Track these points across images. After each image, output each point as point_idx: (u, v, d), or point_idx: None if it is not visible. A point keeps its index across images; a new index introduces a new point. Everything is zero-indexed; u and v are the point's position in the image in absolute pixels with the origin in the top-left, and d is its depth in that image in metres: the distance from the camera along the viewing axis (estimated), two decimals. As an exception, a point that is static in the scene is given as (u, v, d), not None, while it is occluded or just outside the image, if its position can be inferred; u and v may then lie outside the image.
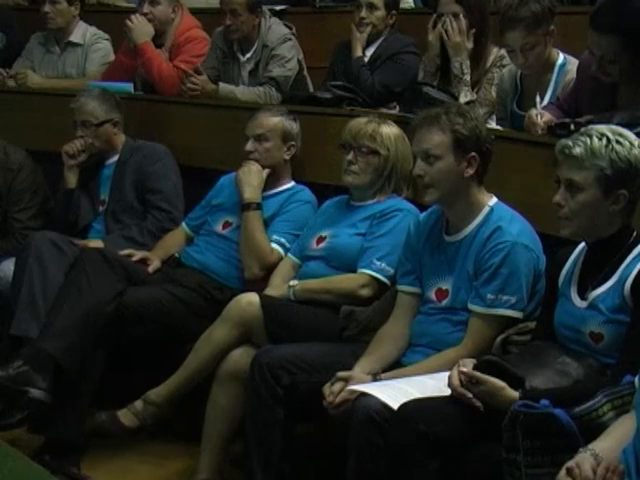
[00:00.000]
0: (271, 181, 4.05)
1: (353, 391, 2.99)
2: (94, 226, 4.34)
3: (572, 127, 3.25)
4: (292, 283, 3.67)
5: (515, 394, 2.62)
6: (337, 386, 3.10)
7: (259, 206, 3.94)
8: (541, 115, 3.62)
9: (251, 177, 3.99)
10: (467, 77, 4.33)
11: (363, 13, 4.87)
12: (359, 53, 4.87)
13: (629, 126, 2.91)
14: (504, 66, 4.33)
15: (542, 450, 2.42)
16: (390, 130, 3.72)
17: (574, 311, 2.79)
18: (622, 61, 3.39)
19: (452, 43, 4.34)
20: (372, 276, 3.55)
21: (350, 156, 3.69)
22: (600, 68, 3.44)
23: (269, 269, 3.87)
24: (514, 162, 3.57)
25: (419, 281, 3.29)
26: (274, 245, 3.90)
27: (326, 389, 3.11)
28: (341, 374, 3.12)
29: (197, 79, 4.77)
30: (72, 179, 4.36)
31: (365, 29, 4.88)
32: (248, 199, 3.94)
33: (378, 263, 3.55)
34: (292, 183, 4.09)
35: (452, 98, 4.10)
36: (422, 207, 3.44)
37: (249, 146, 4.05)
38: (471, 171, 3.16)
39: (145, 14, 5.04)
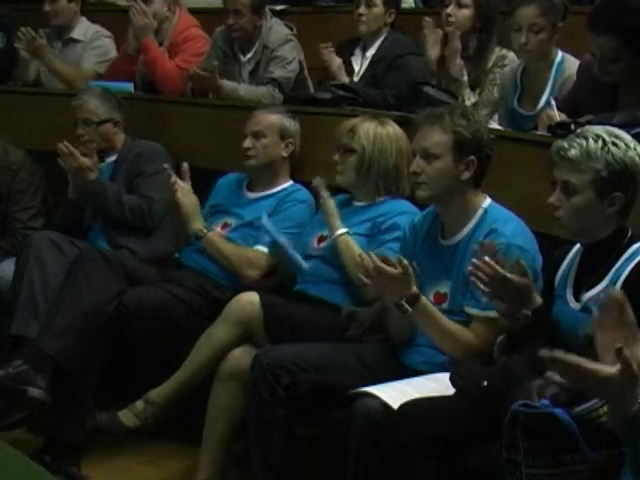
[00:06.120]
0: (268, 180, 4.06)
1: None
2: (93, 226, 4.33)
3: (572, 127, 3.24)
4: (343, 231, 3.64)
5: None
6: None
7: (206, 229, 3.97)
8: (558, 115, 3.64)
9: (187, 209, 3.99)
10: (465, 78, 4.34)
11: (361, 9, 4.86)
12: (345, 79, 4.80)
13: (629, 126, 2.91)
14: (505, 66, 4.34)
15: (542, 450, 2.42)
16: (371, 127, 3.68)
17: (569, 313, 2.78)
18: (623, 59, 3.39)
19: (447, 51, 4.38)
20: None
21: (336, 156, 3.72)
22: (602, 68, 3.44)
23: (261, 267, 3.88)
24: (514, 162, 3.56)
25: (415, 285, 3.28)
26: (258, 247, 3.90)
27: None
28: None
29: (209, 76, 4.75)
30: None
31: (362, 26, 4.85)
32: (196, 229, 3.95)
33: None
34: (289, 182, 4.09)
35: (452, 98, 4.10)
36: (422, 207, 3.44)
37: (247, 143, 4.04)
38: (468, 174, 3.15)
39: None
